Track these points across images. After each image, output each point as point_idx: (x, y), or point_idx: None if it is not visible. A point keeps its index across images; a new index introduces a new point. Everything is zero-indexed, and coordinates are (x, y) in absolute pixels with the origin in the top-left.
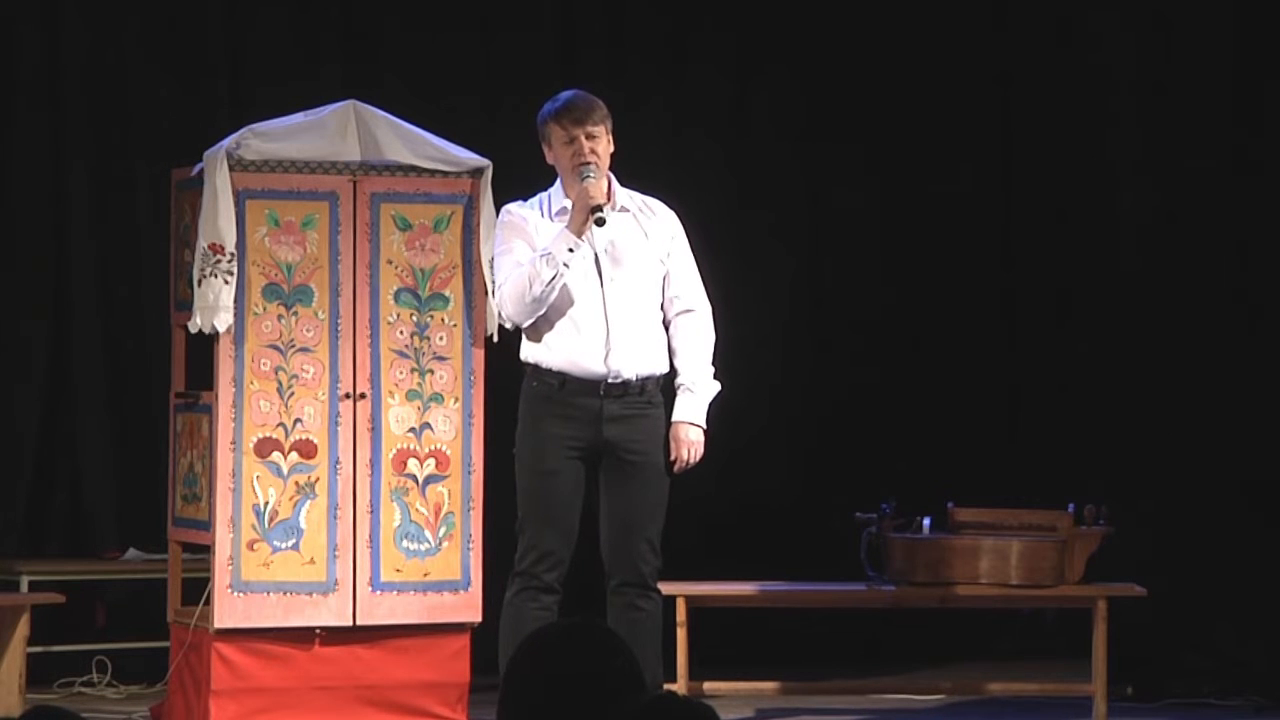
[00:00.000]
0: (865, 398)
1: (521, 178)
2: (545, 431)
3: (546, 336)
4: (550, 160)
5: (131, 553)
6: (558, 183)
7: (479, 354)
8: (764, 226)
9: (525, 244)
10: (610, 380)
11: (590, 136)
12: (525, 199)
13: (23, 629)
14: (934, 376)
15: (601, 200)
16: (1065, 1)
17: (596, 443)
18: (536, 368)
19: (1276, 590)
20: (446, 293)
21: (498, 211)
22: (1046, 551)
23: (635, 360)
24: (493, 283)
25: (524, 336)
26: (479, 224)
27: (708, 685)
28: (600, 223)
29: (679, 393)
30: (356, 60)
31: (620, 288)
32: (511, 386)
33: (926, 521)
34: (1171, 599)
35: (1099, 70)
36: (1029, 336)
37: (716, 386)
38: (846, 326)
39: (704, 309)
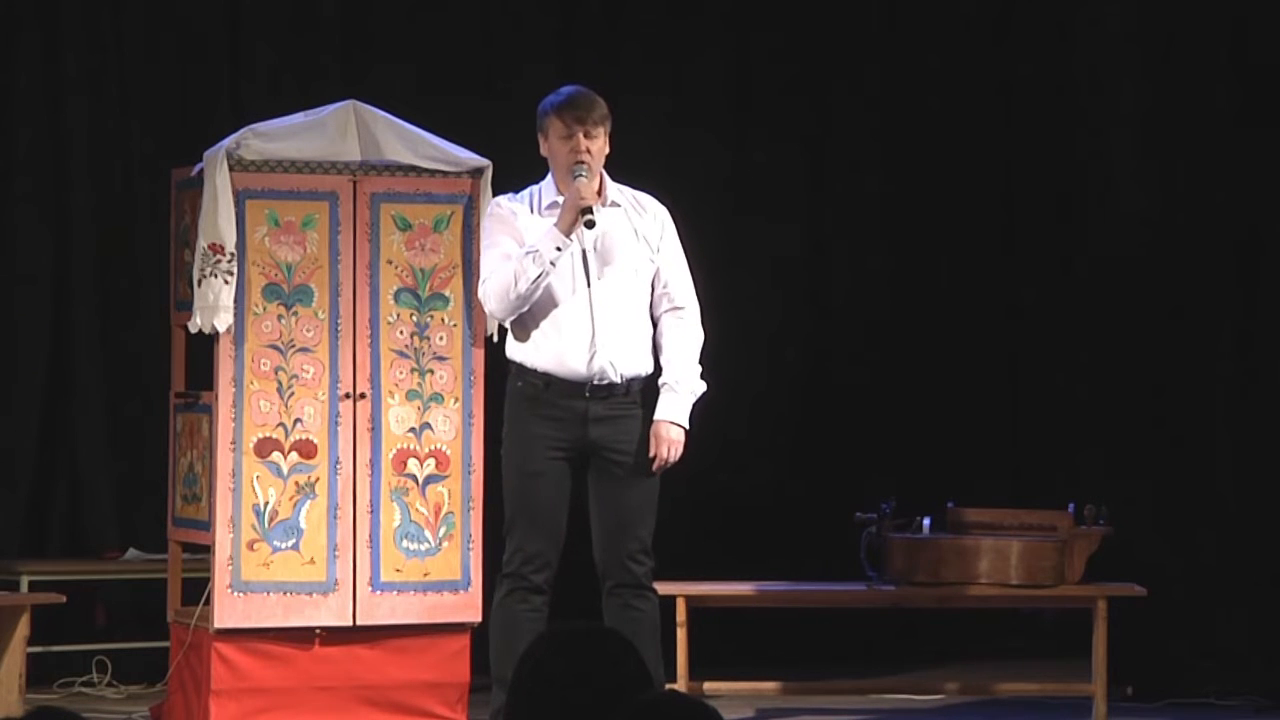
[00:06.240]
0: (866, 397)
1: (521, 178)
2: (530, 432)
3: (533, 335)
4: (544, 152)
5: (131, 553)
6: (549, 176)
7: (479, 354)
8: (763, 224)
9: (512, 238)
10: (596, 381)
11: (589, 135)
12: (517, 192)
13: (23, 629)
14: (934, 376)
15: (592, 201)
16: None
17: (582, 443)
18: (521, 367)
19: (1277, 590)
20: (446, 293)
21: None
22: (1046, 551)
23: (621, 361)
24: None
25: (510, 334)
26: (479, 224)
27: (708, 685)
28: (590, 225)
29: (662, 391)
30: (356, 59)
31: (608, 287)
32: None
33: (926, 521)
34: (1171, 599)
35: (1098, 62)
36: (1029, 336)
37: (702, 387)
38: (847, 325)
39: (693, 307)
